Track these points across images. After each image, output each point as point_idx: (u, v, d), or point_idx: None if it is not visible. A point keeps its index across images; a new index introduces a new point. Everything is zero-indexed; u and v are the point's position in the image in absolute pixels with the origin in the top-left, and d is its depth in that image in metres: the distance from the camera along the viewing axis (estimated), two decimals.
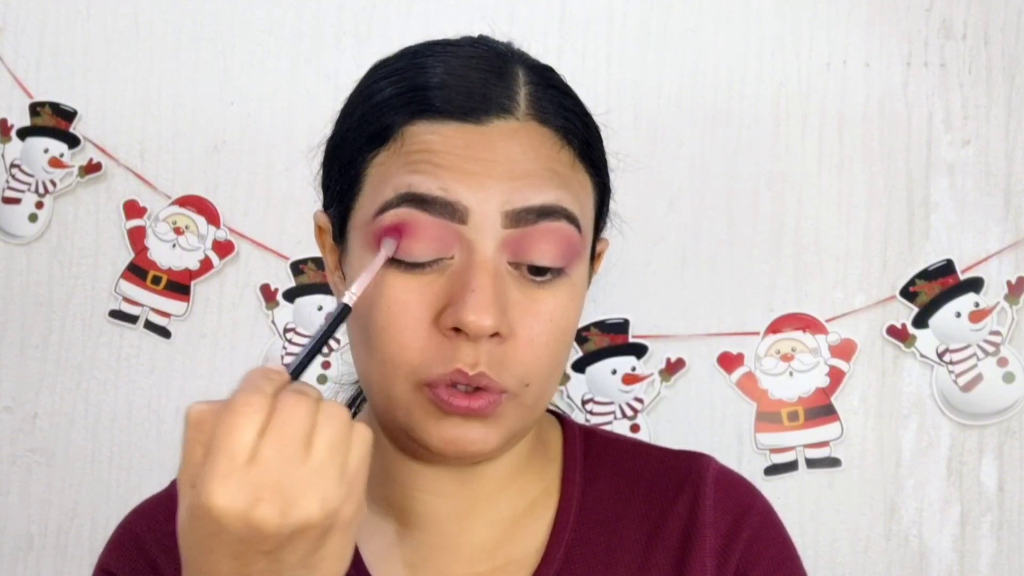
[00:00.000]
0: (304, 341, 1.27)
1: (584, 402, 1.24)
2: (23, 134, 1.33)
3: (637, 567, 0.75)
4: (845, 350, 1.21)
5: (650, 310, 1.24)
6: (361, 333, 0.69)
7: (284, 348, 1.28)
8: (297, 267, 1.28)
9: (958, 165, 1.22)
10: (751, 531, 0.76)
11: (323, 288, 1.28)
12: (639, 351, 1.23)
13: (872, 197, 1.23)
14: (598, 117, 0.74)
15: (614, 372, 1.23)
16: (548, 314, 0.68)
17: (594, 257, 0.76)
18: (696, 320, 1.23)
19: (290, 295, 1.29)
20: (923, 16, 1.23)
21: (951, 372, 1.20)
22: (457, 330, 0.65)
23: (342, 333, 0.71)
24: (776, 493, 1.18)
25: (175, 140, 1.32)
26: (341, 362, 1.20)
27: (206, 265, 1.30)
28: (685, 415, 1.23)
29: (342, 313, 0.64)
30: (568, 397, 1.24)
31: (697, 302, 1.24)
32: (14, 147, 1.33)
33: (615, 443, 0.81)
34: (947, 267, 1.20)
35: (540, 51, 0.76)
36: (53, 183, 1.32)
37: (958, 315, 1.19)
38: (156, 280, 1.31)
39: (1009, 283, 1.19)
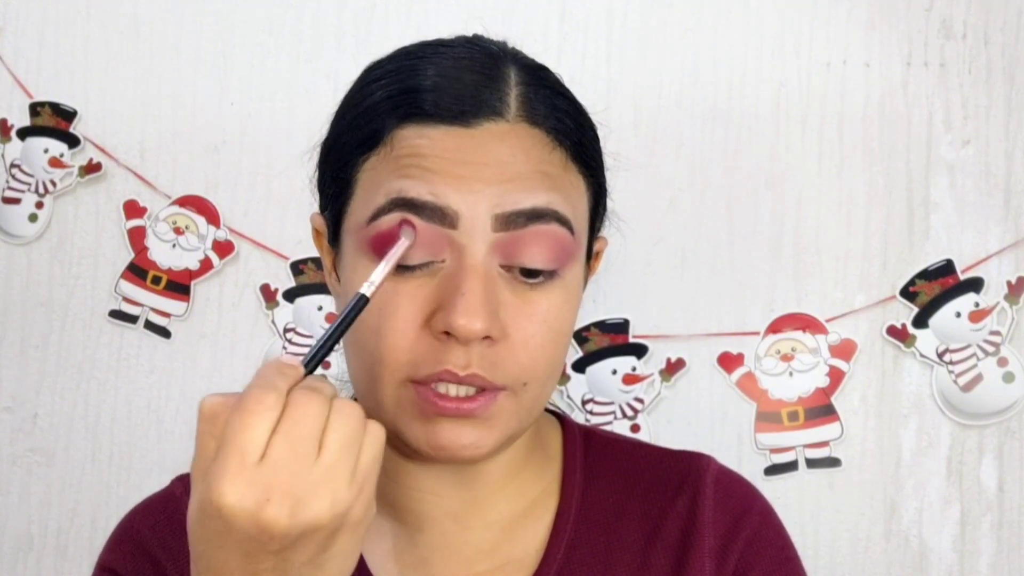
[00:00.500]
0: (303, 341, 1.28)
1: (584, 402, 1.24)
2: (23, 134, 1.33)
3: (637, 567, 0.75)
4: (845, 350, 1.21)
5: (650, 310, 1.24)
6: (351, 335, 0.68)
7: (284, 348, 1.28)
8: (297, 267, 1.28)
9: (958, 165, 1.22)
10: (750, 531, 0.76)
11: (323, 288, 1.27)
12: (639, 351, 1.23)
13: (872, 197, 1.22)
14: (597, 117, 0.74)
15: (614, 372, 1.23)
16: (542, 315, 0.67)
17: (592, 256, 0.75)
18: (696, 320, 1.23)
19: (290, 295, 1.29)
20: (923, 16, 1.23)
21: (951, 372, 1.19)
22: (448, 334, 0.65)
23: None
24: (776, 493, 1.19)
25: (175, 140, 1.32)
26: (342, 361, 1.20)
27: (206, 265, 1.30)
28: (685, 415, 1.23)
29: (358, 304, 0.63)
30: (568, 397, 1.24)
31: (697, 302, 1.24)
32: (14, 147, 1.33)
33: (615, 443, 0.81)
34: (947, 267, 1.20)
35: (540, 51, 0.76)
36: (53, 183, 1.32)
37: (958, 315, 1.19)
38: (156, 280, 1.31)
39: (1009, 283, 1.19)
